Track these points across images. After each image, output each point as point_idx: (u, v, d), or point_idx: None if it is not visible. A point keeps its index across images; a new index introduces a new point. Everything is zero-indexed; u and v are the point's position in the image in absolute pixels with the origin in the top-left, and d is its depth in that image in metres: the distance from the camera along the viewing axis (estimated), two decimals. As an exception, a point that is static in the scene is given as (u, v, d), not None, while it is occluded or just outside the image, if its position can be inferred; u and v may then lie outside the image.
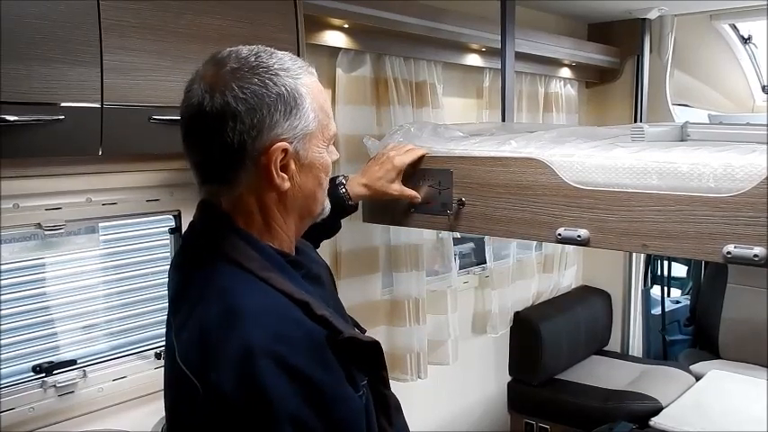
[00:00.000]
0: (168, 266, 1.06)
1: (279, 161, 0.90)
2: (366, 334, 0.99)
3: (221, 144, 0.88)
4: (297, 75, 0.91)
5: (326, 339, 0.86)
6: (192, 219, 1.00)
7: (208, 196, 0.96)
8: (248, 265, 0.90)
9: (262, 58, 0.90)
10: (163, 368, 1.64)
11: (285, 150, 0.90)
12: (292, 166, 0.92)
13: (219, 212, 0.94)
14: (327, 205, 1.04)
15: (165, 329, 1.02)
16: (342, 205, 1.47)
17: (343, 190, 1.48)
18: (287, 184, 0.92)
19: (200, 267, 0.93)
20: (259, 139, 0.88)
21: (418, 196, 1.60)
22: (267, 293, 0.88)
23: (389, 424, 0.99)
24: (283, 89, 0.89)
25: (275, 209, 0.95)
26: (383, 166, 1.55)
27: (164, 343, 1.61)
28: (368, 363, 0.94)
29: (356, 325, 1.00)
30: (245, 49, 0.91)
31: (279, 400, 0.80)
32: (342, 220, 1.53)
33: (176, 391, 0.93)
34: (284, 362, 0.81)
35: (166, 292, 1.05)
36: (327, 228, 1.42)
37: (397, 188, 1.57)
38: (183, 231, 1.03)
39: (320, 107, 0.95)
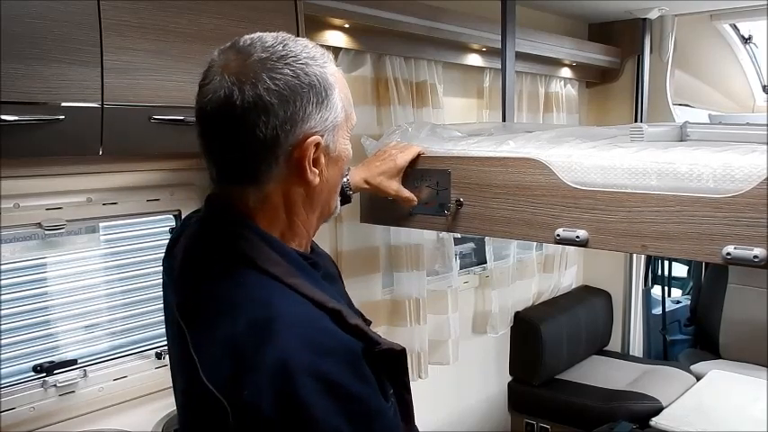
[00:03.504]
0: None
1: (312, 155, 0.85)
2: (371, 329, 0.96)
3: (252, 140, 0.82)
4: (324, 63, 0.87)
5: (362, 351, 0.81)
6: (197, 214, 0.96)
7: (230, 197, 0.89)
8: (274, 270, 0.84)
9: (289, 46, 0.84)
10: (165, 367, 1.65)
11: (318, 144, 0.85)
12: (322, 159, 0.87)
13: (237, 213, 0.88)
14: (339, 203, 1.01)
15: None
16: (343, 195, 1.44)
17: (345, 180, 1.46)
18: (317, 180, 0.88)
19: (220, 273, 0.86)
20: (292, 134, 0.83)
21: (415, 199, 1.59)
22: (297, 302, 0.82)
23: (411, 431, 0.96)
24: (315, 79, 0.84)
25: (301, 206, 0.90)
26: (385, 163, 1.55)
27: (164, 343, 1.62)
28: (395, 370, 0.89)
29: (361, 317, 0.95)
30: (269, 37, 0.85)
31: (321, 418, 0.75)
32: (342, 220, 1.53)
33: (198, 413, 0.85)
34: (325, 377, 0.76)
35: (163, 279, 1.00)
36: None
37: (395, 187, 1.56)
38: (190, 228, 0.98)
39: (345, 96, 0.90)
